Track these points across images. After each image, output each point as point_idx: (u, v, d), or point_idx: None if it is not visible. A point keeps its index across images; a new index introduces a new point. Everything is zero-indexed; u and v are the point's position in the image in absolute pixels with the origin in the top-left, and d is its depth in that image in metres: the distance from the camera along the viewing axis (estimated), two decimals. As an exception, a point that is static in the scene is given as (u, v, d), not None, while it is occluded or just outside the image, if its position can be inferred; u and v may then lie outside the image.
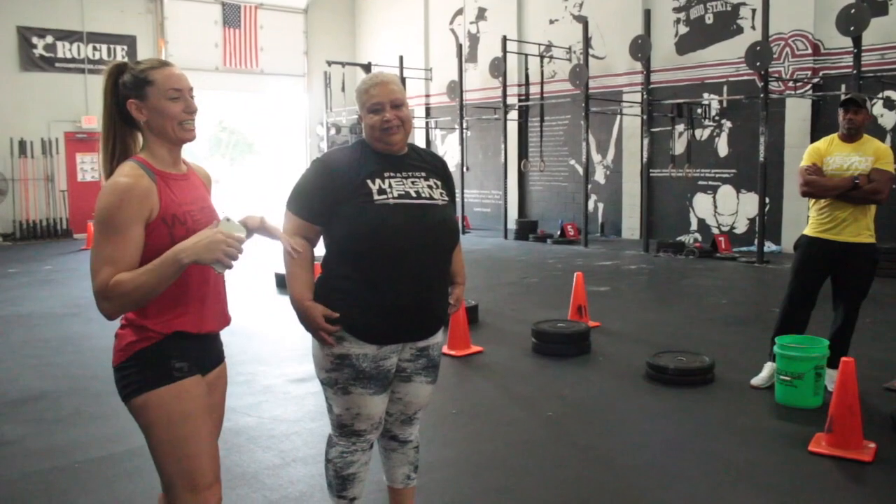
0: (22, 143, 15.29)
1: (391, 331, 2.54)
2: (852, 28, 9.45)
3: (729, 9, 12.48)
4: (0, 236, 15.18)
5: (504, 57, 14.52)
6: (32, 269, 11.36)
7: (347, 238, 2.49)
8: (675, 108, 12.81)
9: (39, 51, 15.68)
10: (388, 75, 2.62)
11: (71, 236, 15.57)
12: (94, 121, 15.98)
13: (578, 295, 6.80)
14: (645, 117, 12.60)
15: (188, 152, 2.34)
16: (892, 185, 4.67)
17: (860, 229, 4.67)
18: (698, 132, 12.92)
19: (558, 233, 14.27)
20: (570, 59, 14.71)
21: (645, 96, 12.66)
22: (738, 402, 4.78)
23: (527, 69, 15.72)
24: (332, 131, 19.16)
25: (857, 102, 4.72)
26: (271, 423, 4.54)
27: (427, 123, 18.32)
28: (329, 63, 17.47)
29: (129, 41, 16.63)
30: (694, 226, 13.20)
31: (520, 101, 15.87)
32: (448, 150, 17.91)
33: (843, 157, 4.69)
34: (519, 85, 15.83)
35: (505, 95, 14.79)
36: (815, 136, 10.51)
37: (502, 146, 14.98)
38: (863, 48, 9.65)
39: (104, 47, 16.41)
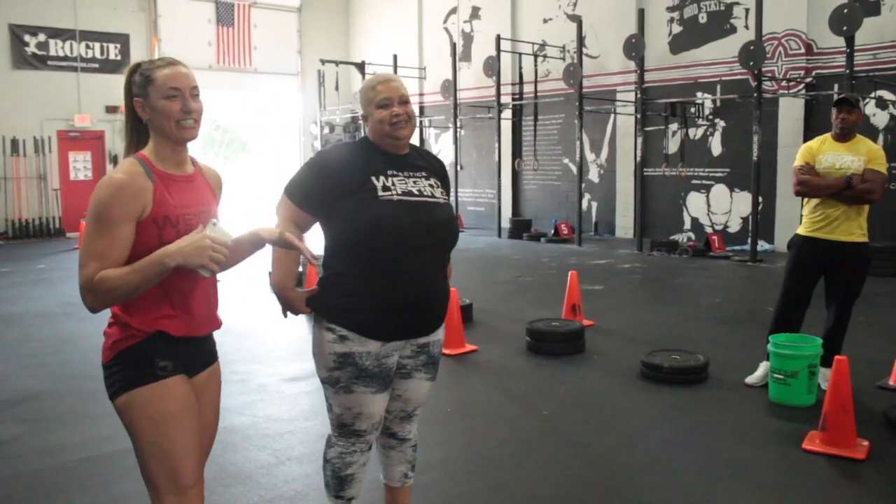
0: (14, 142, 15.26)
1: (395, 327, 2.55)
2: (845, 28, 9.49)
3: (722, 8, 12.51)
4: (-8, 235, 15.14)
5: (498, 56, 14.53)
6: (25, 269, 11.32)
7: (352, 234, 2.49)
8: (668, 108, 12.85)
9: (32, 49, 15.63)
10: (392, 75, 2.69)
11: (64, 235, 15.54)
12: (86, 119, 15.95)
13: (572, 294, 6.81)
14: (639, 116, 12.63)
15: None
16: (884, 185, 4.69)
17: (853, 228, 4.69)
18: (692, 131, 12.95)
19: (552, 232, 14.29)
20: (563, 59, 14.73)
21: (639, 95, 12.69)
22: (733, 400, 4.79)
23: (521, 68, 15.73)
24: (326, 130, 19.15)
25: (851, 102, 4.75)
26: (265, 422, 4.54)
27: (421, 122, 18.31)
28: (323, 62, 17.45)
29: (123, 39, 16.58)
30: (687, 225, 13.23)
31: (514, 100, 15.89)
32: (442, 148, 17.91)
33: (836, 156, 4.71)
34: (513, 84, 15.84)
35: (499, 94, 14.81)
36: (809, 135, 10.56)
37: (496, 145, 15.00)
38: (855, 48, 9.70)
39: (97, 45, 16.36)
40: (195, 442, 2.21)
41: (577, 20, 13.34)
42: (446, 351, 5.90)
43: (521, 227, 14.80)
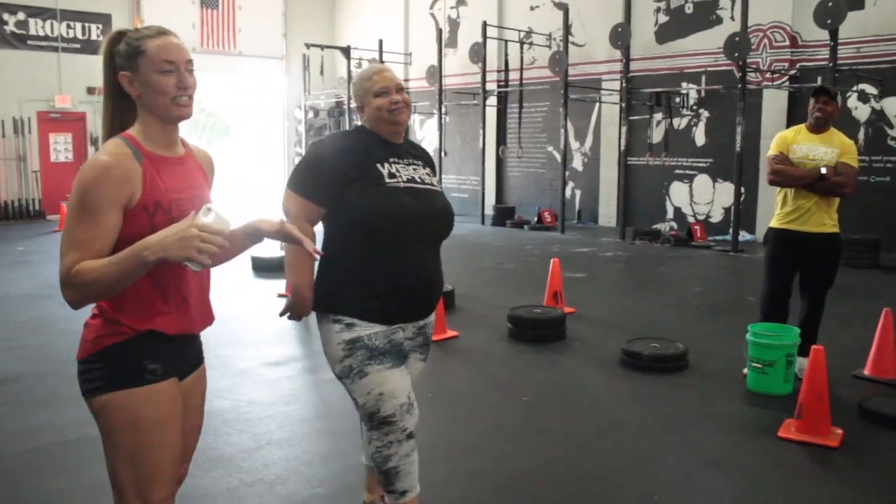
0: (-7, 122, 15.05)
1: (400, 311, 2.59)
2: (829, 21, 9.55)
3: (708, -1, 12.53)
4: (-29, 216, 14.98)
5: (484, 42, 14.50)
6: (4, 251, 11.21)
7: (361, 219, 2.49)
8: (653, 97, 12.88)
9: (11, 28, 15.38)
10: (385, 66, 2.73)
11: (44, 217, 15.39)
12: (67, 100, 15.75)
13: (555, 281, 6.84)
14: (623, 105, 12.66)
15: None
16: (856, 179, 4.76)
17: (824, 219, 4.75)
18: (676, 121, 13.00)
19: (535, 219, 14.32)
20: (549, 46, 14.72)
21: (624, 84, 12.71)
22: (711, 388, 4.84)
23: (506, 55, 15.70)
24: (311, 114, 19.06)
25: (829, 93, 4.80)
26: (246, 406, 4.54)
27: (406, 108, 18.24)
28: (308, 46, 17.32)
29: (105, 20, 16.37)
30: (670, 214, 13.31)
31: (499, 87, 15.87)
32: (426, 135, 17.88)
33: (810, 146, 4.77)
34: (498, 71, 15.82)
35: (484, 81, 14.78)
36: (792, 126, 10.62)
37: (481, 132, 14.99)
38: (839, 41, 9.75)
39: (78, 25, 16.14)
40: (174, 454, 2.02)
41: (564, 8, 13.33)
42: (428, 337, 5.92)
43: (504, 215, 14.82)
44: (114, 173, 1.84)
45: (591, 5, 14.07)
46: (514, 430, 4.20)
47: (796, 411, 4.00)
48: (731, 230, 11.20)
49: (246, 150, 22.27)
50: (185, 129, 2.06)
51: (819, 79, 10.83)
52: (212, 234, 1.77)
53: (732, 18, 11.99)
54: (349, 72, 17.08)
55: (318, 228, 2.64)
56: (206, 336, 2.13)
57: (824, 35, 10.06)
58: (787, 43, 11.52)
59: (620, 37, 12.29)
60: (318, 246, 2.35)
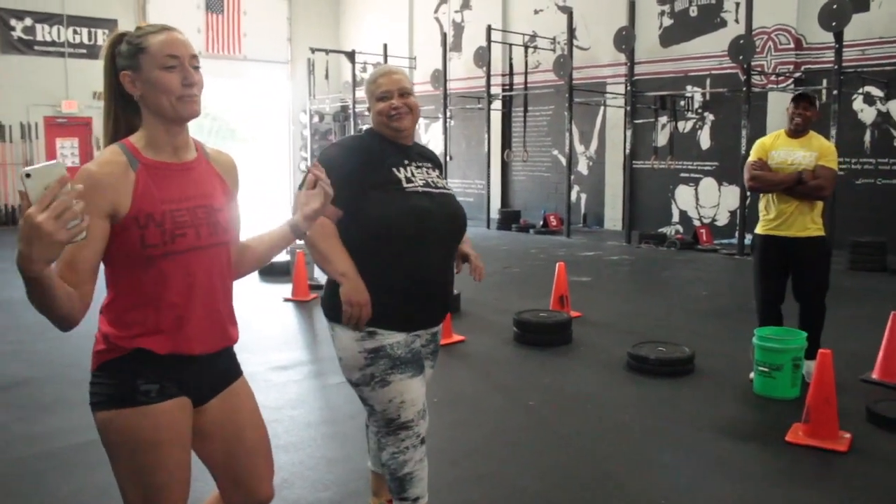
0: (0, 128, 15.10)
1: (419, 317, 2.60)
2: (834, 23, 9.52)
3: (713, 2, 12.53)
4: (-22, 221, 15.03)
5: (488, 46, 14.51)
6: (11, 255, 11.20)
7: (385, 225, 2.47)
8: (658, 100, 12.88)
9: (18, 33, 15.47)
10: (394, 67, 2.70)
11: (50, 222, 15.40)
12: (74, 105, 15.82)
13: (560, 285, 6.83)
14: (628, 109, 12.65)
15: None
16: (835, 182, 4.78)
17: (807, 223, 4.76)
18: (681, 124, 12.99)
19: (541, 223, 14.31)
20: (554, 50, 14.72)
21: (628, 88, 12.70)
22: (718, 392, 4.83)
23: (511, 59, 15.71)
24: (316, 119, 19.08)
25: (810, 99, 4.81)
26: (253, 410, 4.53)
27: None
28: (313, 50, 17.35)
29: (111, 25, 16.43)
30: (676, 217, 13.28)
31: (504, 90, 15.87)
32: (431, 139, 17.89)
33: (788, 151, 4.79)
34: (503, 75, 15.83)
35: (489, 85, 14.79)
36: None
37: (486, 136, 14.99)
38: (844, 43, 9.73)
39: (84, 31, 16.22)
40: (181, 475, 1.92)
41: (568, 12, 13.32)
42: (434, 341, 5.92)
43: (509, 219, 14.81)
44: (94, 182, 1.71)
45: (595, 9, 14.07)
46: (519, 434, 4.19)
47: (804, 415, 3.99)
48: (736, 233, 11.17)
49: (252, 155, 22.31)
50: (190, 135, 2.00)
51: (824, 81, 10.82)
52: (47, 202, 1.40)
53: (737, 21, 11.98)
54: (354, 76, 17.10)
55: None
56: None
57: (829, 37, 10.03)
58: (792, 45, 11.50)
59: (625, 40, 12.29)
60: None
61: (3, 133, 15.14)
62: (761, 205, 4.95)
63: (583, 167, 14.74)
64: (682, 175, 13.09)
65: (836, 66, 9.70)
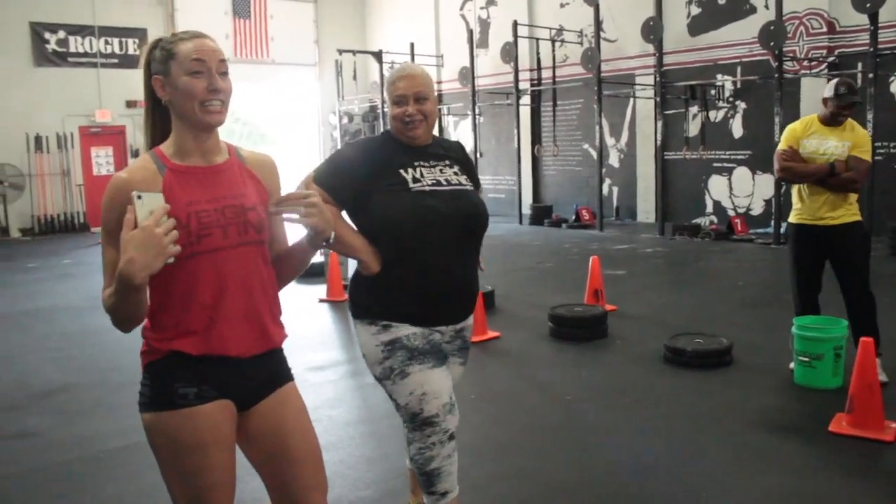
0: (38, 139, 15.41)
1: (434, 315, 2.58)
2: (868, 5, 9.35)
3: (742, -12, 12.36)
4: (19, 231, 15.33)
5: (515, 42, 14.45)
6: (52, 264, 11.45)
7: (388, 225, 2.48)
8: (688, 90, 12.73)
9: (52, 46, 15.76)
10: (415, 68, 2.62)
11: (88, 230, 15.69)
12: (107, 114, 16.09)
13: (594, 279, 6.79)
14: (658, 100, 12.54)
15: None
16: (868, 173, 4.59)
17: (841, 210, 4.57)
18: (712, 114, 12.83)
19: (573, 217, 14.25)
20: (581, 43, 14.63)
21: (658, 79, 12.59)
22: (757, 383, 4.76)
23: (538, 54, 15.64)
24: (345, 120, 19.17)
25: (858, 103, 4.64)
26: (291, 411, 4.56)
27: (439, 110, 18.29)
28: (340, 52, 17.44)
29: (141, 34, 16.66)
30: (709, 208, 13.13)
31: (532, 85, 15.80)
32: (461, 136, 17.87)
33: (820, 140, 4.59)
34: (531, 70, 15.76)
35: (517, 80, 14.74)
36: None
37: (515, 131, 14.94)
38: (879, 25, 9.54)
39: (116, 41, 16.46)
40: (224, 477, 1.93)
41: (595, 4, 13.21)
42: (468, 338, 5.92)
43: (541, 214, 14.76)
44: (125, 189, 1.77)
45: (622, 0, 13.95)
46: (557, 429, 4.18)
47: (847, 405, 3.92)
48: (772, 222, 11.02)
49: (283, 158, 22.50)
50: (221, 139, 2.02)
51: (859, 65, 10.62)
52: (158, 220, 1.66)
53: (767, 7, 11.80)
54: (382, 76, 17.15)
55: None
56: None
57: (863, 20, 9.84)
58: (825, 29, 11.30)
59: (652, 31, 12.18)
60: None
61: (40, 144, 15.42)
62: (794, 193, 4.80)
63: (614, 160, 14.63)
64: (715, 165, 12.93)
65: (871, 49, 9.52)
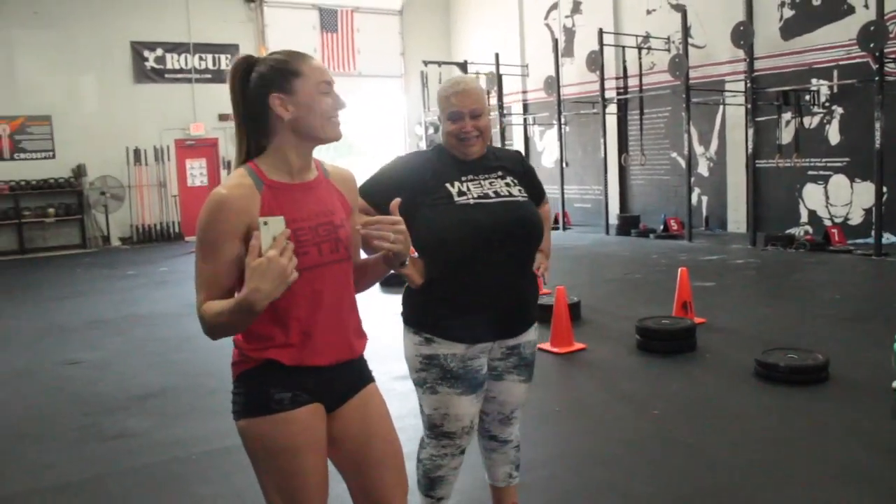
0: (137, 152, 16.16)
1: (479, 329, 2.54)
2: (976, 3, 8.89)
3: (839, -10, 11.93)
4: (119, 240, 16.08)
5: (601, 50, 14.31)
6: (150, 271, 11.93)
7: (432, 239, 2.48)
8: (781, 96, 12.34)
9: (151, 63, 16.49)
10: (469, 82, 2.58)
11: (182, 239, 16.33)
12: (201, 128, 16.74)
13: (683, 290, 6.65)
14: (749, 106, 12.20)
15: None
16: None
17: None
18: (807, 120, 12.40)
19: (661, 227, 13.98)
20: (668, 50, 14.37)
21: (749, 85, 12.25)
22: (855, 401, 4.57)
23: (624, 61, 15.44)
24: (431, 130, 19.35)
25: None
26: (376, 419, 4.63)
27: (525, 120, 18.27)
28: (425, 63, 17.63)
29: (232, 50, 17.24)
30: (804, 218, 12.68)
31: (618, 94, 15.61)
32: (546, 146, 17.81)
33: None
34: (617, 78, 15.57)
35: (603, 89, 14.58)
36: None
37: (601, 141, 14.78)
38: None
39: (209, 57, 17.10)
40: (317, 480, 1.99)
41: (682, 10, 12.98)
42: (554, 349, 5.88)
43: (629, 224, 14.53)
44: (227, 206, 1.82)
45: (711, 5, 13.65)
46: (644, 443, 4.10)
47: (954, 425, 3.73)
48: (872, 232, 10.56)
49: (370, 169, 22.84)
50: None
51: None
52: (284, 250, 1.72)
53: (866, 7, 11.35)
54: (466, 87, 17.21)
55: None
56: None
57: (972, 20, 9.38)
58: (929, 31, 10.80)
59: (743, 35, 11.87)
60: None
61: (139, 157, 16.16)
62: None
63: (703, 169, 14.31)
64: (810, 173, 12.49)
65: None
